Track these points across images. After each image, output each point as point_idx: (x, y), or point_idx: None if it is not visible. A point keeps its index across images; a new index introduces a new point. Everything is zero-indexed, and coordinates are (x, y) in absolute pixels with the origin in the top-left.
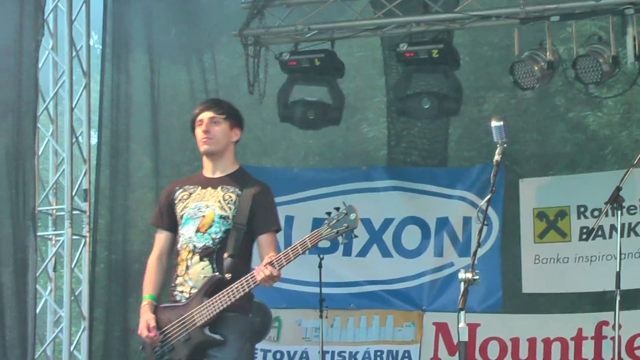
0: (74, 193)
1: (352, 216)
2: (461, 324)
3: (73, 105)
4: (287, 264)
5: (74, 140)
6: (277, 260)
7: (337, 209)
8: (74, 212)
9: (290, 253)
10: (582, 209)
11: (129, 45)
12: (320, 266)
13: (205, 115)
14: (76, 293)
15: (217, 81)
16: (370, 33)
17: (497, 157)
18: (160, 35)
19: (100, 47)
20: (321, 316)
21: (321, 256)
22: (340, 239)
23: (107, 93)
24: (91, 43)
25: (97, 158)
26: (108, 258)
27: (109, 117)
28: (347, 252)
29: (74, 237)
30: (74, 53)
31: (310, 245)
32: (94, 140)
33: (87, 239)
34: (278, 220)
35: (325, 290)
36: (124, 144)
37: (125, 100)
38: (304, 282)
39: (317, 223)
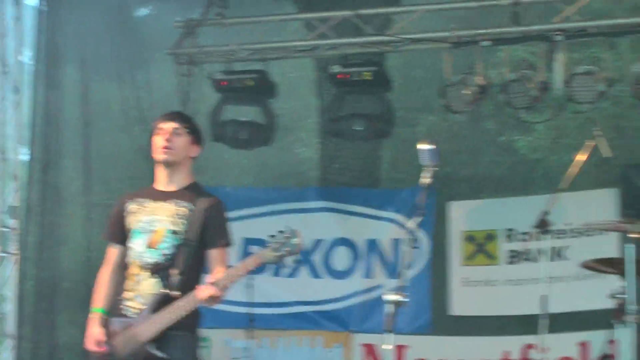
0: (2, 210)
1: (295, 240)
2: (387, 346)
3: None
4: (229, 284)
5: (2, 157)
6: (220, 281)
7: (281, 232)
8: (3, 229)
9: (233, 275)
10: (510, 233)
11: (61, 61)
12: (250, 286)
13: (169, 125)
14: (3, 311)
15: (150, 98)
16: (303, 54)
17: (425, 180)
18: (93, 51)
19: (32, 63)
20: (250, 336)
21: (251, 276)
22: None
23: (39, 109)
24: (23, 59)
25: (29, 174)
26: (37, 276)
27: (40, 133)
28: (277, 272)
29: (2, 254)
30: (5, 69)
31: (252, 268)
32: (24, 156)
33: (16, 257)
34: (229, 235)
35: (254, 310)
36: (55, 160)
37: (56, 116)
38: (234, 302)
39: (248, 242)
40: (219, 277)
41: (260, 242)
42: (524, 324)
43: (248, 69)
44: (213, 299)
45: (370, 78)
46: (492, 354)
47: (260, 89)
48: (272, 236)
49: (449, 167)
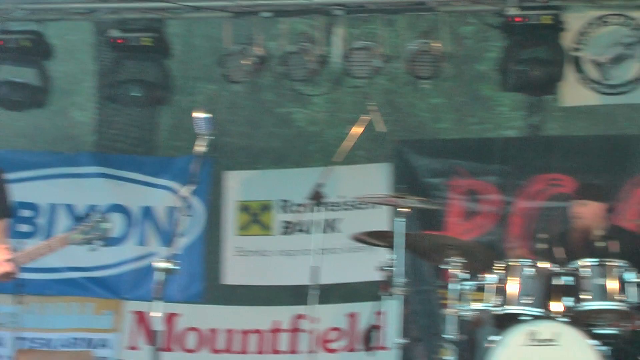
0: None
1: (106, 225)
2: (156, 313)
3: None
4: (28, 262)
5: None
6: (19, 258)
7: (91, 215)
8: None
9: (34, 253)
10: (285, 204)
11: None
12: (19, 250)
13: None
14: None
15: None
16: (81, 17)
17: (200, 149)
18: None
19: None
20: (18, 301)
21: (20, 240)
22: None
23: None
24: None
25: None
26: None
27: None
28: (46, 236)
29: None
30: None
31: (57, 249)
32: None
33: None
34: (11, 206)
35: (22, 274)
36: None
37: None
38: None
39: (20, 207)
40: (19, 254)
41: (32, 206)
42: (296, 295)
43: (24, 29)
44: (8, 275)
45: (149, 44)
46: (263, 324)
47: (36, 50)
48: (81, 219)
49: (226, 136)
